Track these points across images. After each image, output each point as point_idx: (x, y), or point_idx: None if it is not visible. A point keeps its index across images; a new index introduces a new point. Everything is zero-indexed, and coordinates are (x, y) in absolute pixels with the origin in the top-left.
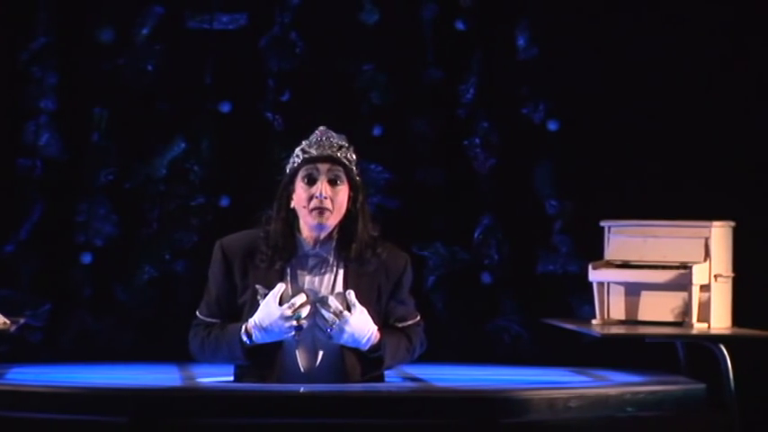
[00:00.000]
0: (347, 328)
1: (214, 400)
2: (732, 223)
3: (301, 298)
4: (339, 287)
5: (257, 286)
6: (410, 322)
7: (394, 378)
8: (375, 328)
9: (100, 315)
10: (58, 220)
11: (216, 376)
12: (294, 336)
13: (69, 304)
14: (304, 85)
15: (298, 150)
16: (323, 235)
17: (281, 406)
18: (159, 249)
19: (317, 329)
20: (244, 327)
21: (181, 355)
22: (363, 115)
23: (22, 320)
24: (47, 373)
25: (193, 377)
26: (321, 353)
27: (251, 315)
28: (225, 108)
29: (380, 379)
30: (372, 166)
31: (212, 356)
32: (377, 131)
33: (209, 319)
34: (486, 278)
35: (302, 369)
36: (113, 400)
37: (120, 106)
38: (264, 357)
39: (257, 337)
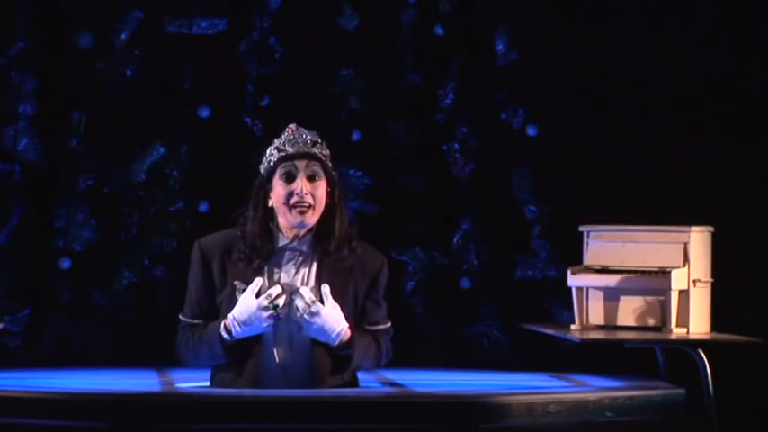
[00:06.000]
0: (317, 319)
1: (193, 406)
2: (711, 228)
3: (277, 289)
4: (314, 281)
5: (236, 282)
6: (380, 327)
7: (372, 383)
8: (346, 325)
9: (79, 320)
10: (36, 224)
11: (194, 381)
12: (272, 326)
13: (48, 309)
14: (283, 91)
15: (272, 149)
16: (303, 231)
17: (259, 411)
18: (138, 254)
19: (291, 322)
20: (222, 324)
21: (160, 360)
22: (342, 120)
23: (0, 325)
24: (25, 377)
25: (172, 382)
26: (296, 347)
27: (229, 312)
28: (204, 113)
29: (354, 383)
30: (351, 171)
31: (196, 358)
32: (356, 136)
33: (192, 321)
34: (465, 283)
35: (278, 363)
36: (92, 406)
37: (99, 111)
38: (243, 353)
39: (237, 331)
